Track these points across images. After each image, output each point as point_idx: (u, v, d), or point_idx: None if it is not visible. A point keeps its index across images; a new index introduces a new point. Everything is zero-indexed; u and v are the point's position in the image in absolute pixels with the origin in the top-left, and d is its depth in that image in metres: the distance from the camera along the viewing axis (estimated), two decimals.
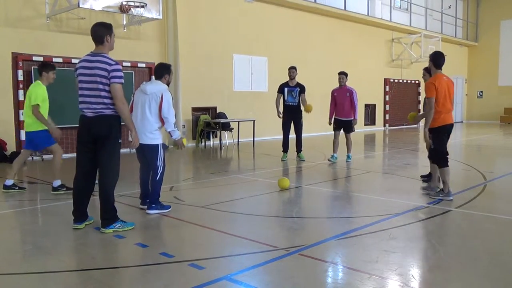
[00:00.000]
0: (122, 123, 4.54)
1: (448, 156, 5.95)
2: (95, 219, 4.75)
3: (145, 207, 5.33)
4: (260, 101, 14.65)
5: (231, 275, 3.39)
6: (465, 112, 26.55)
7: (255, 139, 13.15)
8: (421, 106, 19.47)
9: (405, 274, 3.46)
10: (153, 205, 5.25)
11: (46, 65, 6.44)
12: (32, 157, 10.06)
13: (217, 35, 13.59)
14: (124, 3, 10.16)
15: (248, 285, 3.23)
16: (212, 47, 13.45)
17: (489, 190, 6.76)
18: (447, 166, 5.90)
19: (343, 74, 9.41)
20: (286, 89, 9.75)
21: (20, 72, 9.86)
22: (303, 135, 10.05)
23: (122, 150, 4.74)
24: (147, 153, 5.27)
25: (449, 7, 24.51)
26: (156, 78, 5.39)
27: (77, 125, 4.65)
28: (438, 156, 5.95)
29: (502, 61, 25.32)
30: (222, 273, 3.45)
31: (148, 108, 5.16)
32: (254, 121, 13.14)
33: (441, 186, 6.09)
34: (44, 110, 6.22)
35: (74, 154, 4.77)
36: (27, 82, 10.00)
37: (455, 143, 13.72)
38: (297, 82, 9.79)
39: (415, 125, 21.59)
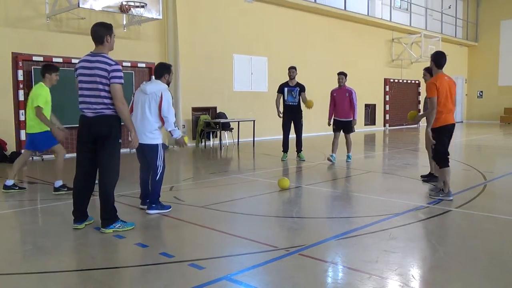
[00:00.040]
0: (122, 123, 4.54)
1: (449, 157, 5.95)
2: (95, 219, 4.75)
3: (145, 207, 5.33)
4: (260, 101, 14.66)
5: (231, 275, 3.39)
6: (465, 112, 26.54)
7: (255, 139, 13.15)
8: (421, 106, 19.49)
9: (405, 274, 3.46)
10: (153, 205, 5.25)
11: (49, 67, 6.43)
12: (32, 157, 10.06)
13: (217, 35, 13.59)
14: (124, 3, 10.16)
15: (248, 285, 3.23)
16: (212, 47, 13.45)
17: (489, 190, 6.76)
18: (448, 166, 5.90)
19: (342, 75, 9.39)
20: (286, 89, 9.75)
21: (20, 72, 9.86)
22: (303, 135, 10.05)
23: (122, 150, 4.74)
24: (147, 153, 5.27)
25: (449, 7, 24.51)
26: (156, 78, 5.39)
27: (77, 125, 4.64)
28: (439, 156, 5.94)
29: (502, 61, 25.32)
30: (222, 273, 3.45)
31: (148, 107, 5.16)
32: (254, 121, 13.14)
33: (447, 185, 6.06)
34: (47, 113, 6.20)
35: (74, 154, 4.77)
36: (27, 82, 10.02)
37: (455, 143, 13.72)
38: (297, 82, 9.80)
39: (415, 125, 21.59)
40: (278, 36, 15.42)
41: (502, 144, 14.01)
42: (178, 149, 12.10)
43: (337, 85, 9.52)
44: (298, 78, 9.95)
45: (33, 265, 3.71)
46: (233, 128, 13.22)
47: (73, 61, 10.15)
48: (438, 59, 5.95)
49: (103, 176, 4.54)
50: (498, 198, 6.29)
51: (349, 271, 3.53)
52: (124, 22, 11.47)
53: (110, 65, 4.37)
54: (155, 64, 5.76)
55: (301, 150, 9.92)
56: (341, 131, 9.47)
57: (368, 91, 19.12)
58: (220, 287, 3.22)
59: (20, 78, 9.88)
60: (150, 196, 5.30)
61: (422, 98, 20.38)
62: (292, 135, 9.91)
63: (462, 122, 25.84)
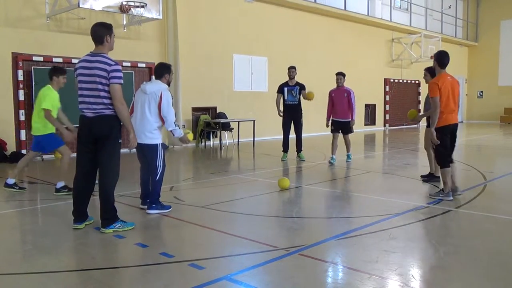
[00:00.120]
0: (122, 123, 4.54)
1: (451, 157, 5.93)
2: (95, 219, 4.75)
3: (145, 207, 5.33)
4: (260, 101, 14.66)
5: (231, 275, 3.39)
6: (465, 112, 26.54)
7: (255, 139, 13.15)
8: (421, 106, 19.50)
9: (405, 274, 3.46)
10: (153, 205, 5.25)
11: (57, 70, 6.43)
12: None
13: (217, 35, 13.59)
14: (124, 3, 10.16)
15: (248, 285, 3.23)
16: (212, 47, 13.45)
17: (489, 190, 6.76)
18: (449, 167, 5.89)
19: (340, 75, 9.33)
20: (285, 89, 9.76)
21: (20, 72, 9.86)
22: (303, 135, 10.05)
23: (122, 150, 4.74)
24: (146, 153, 5.27)
25: (449, 7, 24.50)
26: (156, 78, 5.39)
27: (77, 125, 4.65)
28: (439, 156, 5.94)
29: (502, 61, 25.32)
30: (222, 273, 3.45)
31: (148, 107, 5.16)
32: (254, 121, 13.14)
33: (456, 184, 6.05)
34: (53, 115, 6.21)
35: (74, 154, 4.77)
36: (27, 82, 10.03)
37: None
38: (297, 82, 9.80)
39: (415, 125, 21.60)
40: (278, 36, 15.42)
41: (502, 144, 14.01)
42: (179, 149, 12.11)
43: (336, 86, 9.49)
44: (298, 78, 9.95)
45: (33, 265, 3.71)
46: (233, 128, 13.22)
47: (73, 61, 10.14)
48: (441, 58, 5.93)
49: (103, 176, 4.53)
50: (498, 198, 6.29)
51: (349, 271, 3.53)
52: (124, 22, 11.47)
53: (110, 65, 4.37)
54: (155, 64, 5.76)
55: (301, 150, 9.92)
56: (340, 132, 9.41)
57: (368, 91, 19.13)
58: (220, 287, 3.22)
59: (20, 78, 9.88)
60: (150, 196, 5.30)
61: (422, 98, 20.42)
62: (292, 135, 9.91)
63: (462, 122, 25.83)
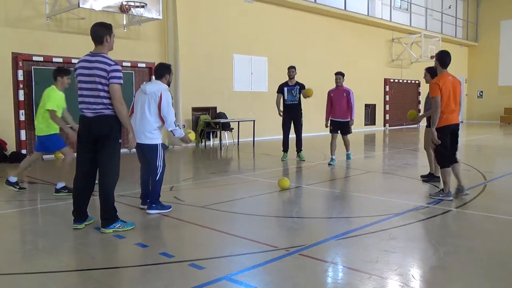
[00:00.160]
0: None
1: (457, 156, 5.93)
2: (95, 219, 4.75)
3: (146, 207, 5.33)
4: (260, 101, 14.66)
5: (231, 275, 3.39)
6: (465, 112, 26.53)
7: (255, 139, 13.15)
8: (421, 106, 19.50)
9: (405, 274, 3.46)
10: (153, 205, 5.25)
11: (61, 70, 6.44)
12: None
13: (217, 35, 13.59)
14: (124, 3, 10.16)
15: (248, 285, 3.23)
16: (212, 47, 13.45)
17: (489, 190, 6.76)
18: (449, 167, 5.89)
19: (340, 75, 9.28)
20: (285, 89, 9.76)
21: (20, 72, 9.86)
22: (303, 135, 10.05)
23: (122, 150, 4.74)
24: (146, 153, 5.27)
25: (449, 7, 24.51)
26: (156, 78, 5.39)
27: (77, 125, 4.65)
28: (440, 156, 5.93)
29: (502, 61, 25.32)
30: (222, 273, 3.45)
31: (148, 107, 5.16)
32: (254, 121, 13.14)
33: (462, 184, 6.04)
34: (58, 116, 6.23)
35: (74, 154, 4.77)
36: (27, 82, 10.03)
37: None
38: (296, 81, 9.80)
39: (415, 125, 21.60)
40: (278, 36, 15.42)
41: (502, 144, 14.01)
42: (179, 149, 12.11)
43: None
44: (298, 78, 9.95)
45: (33, 265, 3.71)
46: (233, 128, 13.22)
47: (73, 61, 10.14)
48: (443, 58, 5.91)
49: (103, 176, 4.53)
50: (498, 198, 6.29)
51: (349, 271, 3.53)
52: (124, 22, 11.47)
53: (109, 65, 4.37)
54: (155, 64, 5.76)
55: (301, 150, 9.92)
56: (338, 132, 9.34)
57: (368, 91, 19.13)
58: (220, 287, 3.22)
59: (20, 78, 9.89)
60: (150, 196, 5.30)
61: (422, 98, 20.41)
62: (292, 135, 9.91)
63: (462, 122, 25.81)
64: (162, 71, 5.37)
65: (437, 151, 5.97)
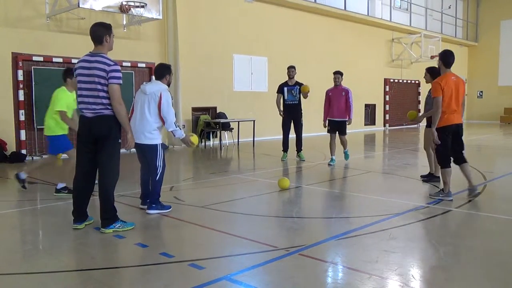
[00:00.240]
0: None
1: (464, 155, 5.92)
2: (95, 219, 4.74)
3: (145, 207, 5.33)
4: (260, 101, 14.66)
5: (231, 275, 3.39)
6: (465, 112, 26.48)
7: (255, 139, 13.15)
8: (421, 106, 19.50)
9: (405, 274, 3.46)
10: (153, 205, 5.25)
11: (70, 71, 6.43)
12: (32, 157, 10.07)
13: (217, 35, 13.60)
14: (124, 3, 10.16)
15: (248, 285, 3.23)
16: (212, 47, 13.45)
17: (489, 190, 6.75)
18: (449, 167, 5.88)
19: (338, 74, 9.23)
20: (285, 89, 9.75)
21: (20, 72, 9.86)
22: (303, 135, 10.04)
23: (122, 150, 4.74)
24: (146, 153, 5.27)
25: (449, 7, 24.51)
26: (156, 79, 5.39)
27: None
28: (440, 156, 5.93)
29: (502, 61, 25.33)
30: (222, 273, 3.45)
31: (147, 108, 5.16)
32: (254, 121, 13.14)
33: (473, 184, 6.02)
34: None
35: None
36: (27, 82, 10.03)
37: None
38: (296, 81, 9.80)
39: (415, 125, 21.60)
40: (278, 36, 15.42)
41: (502, 144, 14.01)
42: (179, 149, 12.11)
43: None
44: (298, 78, 9.95)
45: (33, 265, 3.71)
46: (233, 128, 13.22)
47: (73, 61, 10.14)
48: (446, 58, 5.89)
49: (103, 176, 4.53)
50: (498, 198, 6.29)
51: (349, 271, 3.53)
52: (124, 22, 11.47)
53: (109, 65, 4.37)
54: (155, 64, 5.76)
55: (301, 150, 9.91)
56: (337, 132, 9.26)
57: (368, 91, 19.13)
58: (220, 287, 3.22)
59: (20, 78, 9.89)
60: (150, 196, 5.30)
61: (422, 98, 20.41)
62: (292, 135, 9.91)
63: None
64: (163, 72, 5.37)
65: (437, 151, 5.96)
